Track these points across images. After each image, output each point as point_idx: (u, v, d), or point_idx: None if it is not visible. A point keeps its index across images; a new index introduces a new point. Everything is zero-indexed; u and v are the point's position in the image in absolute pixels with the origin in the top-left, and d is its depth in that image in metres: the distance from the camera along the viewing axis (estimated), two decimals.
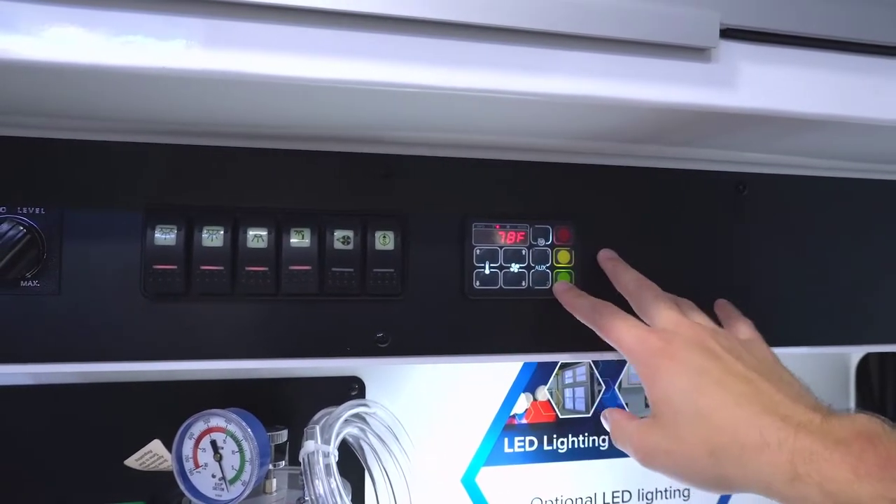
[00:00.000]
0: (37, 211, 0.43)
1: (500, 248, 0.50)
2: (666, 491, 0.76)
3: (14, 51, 0.32)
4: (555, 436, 0.73)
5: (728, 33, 0.40)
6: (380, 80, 0.34)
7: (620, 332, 0.45)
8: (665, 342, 0.43)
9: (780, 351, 0.47)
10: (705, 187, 0.55)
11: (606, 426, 0.49)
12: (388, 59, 0.34)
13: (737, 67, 0.41)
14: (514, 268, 0.50)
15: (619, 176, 0.53)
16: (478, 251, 0.50)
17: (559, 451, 0.73)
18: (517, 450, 0.72)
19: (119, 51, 0.33)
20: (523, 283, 0.50)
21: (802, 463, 0.35)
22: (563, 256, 0.51)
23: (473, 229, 0.50)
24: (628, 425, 0.46)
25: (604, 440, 0.74)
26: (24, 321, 0.43)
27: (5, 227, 0.41)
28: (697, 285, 0.53)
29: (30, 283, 0.42)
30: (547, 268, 0.51)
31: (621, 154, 0.53)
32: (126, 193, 0.44)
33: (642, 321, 0.46)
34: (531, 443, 0.73)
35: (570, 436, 0.73)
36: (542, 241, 0.51)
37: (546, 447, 0.73)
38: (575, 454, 0.73)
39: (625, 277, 0.50)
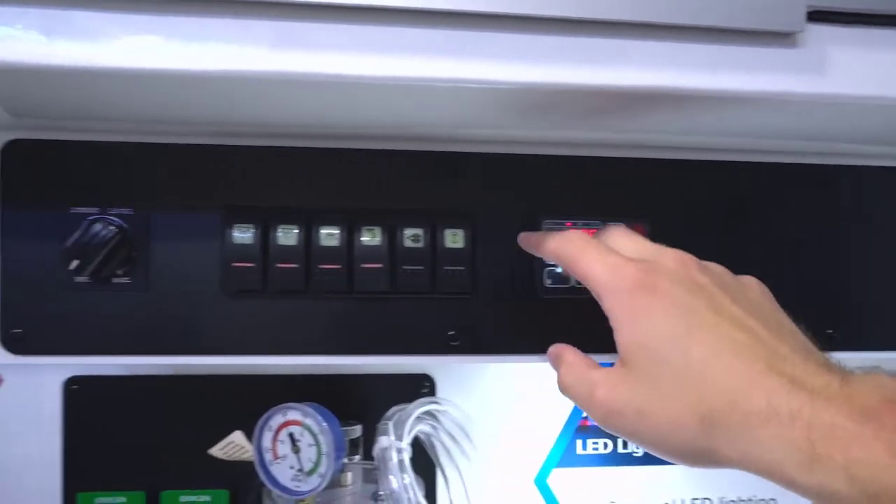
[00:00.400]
0: (126, 212, 0.45)
1: None
2: (750, 500, 0.73)
3: (101, 60, 0.34)
4: None
5: (815, 16, 0.37)
6: (461, 78, 0.34)
7: (591, 261, 0.37)
8: (645, 273, 0.35)
9: (878, 356, 0.44)
10: (792, 181, 0.52)
11: (554, 366, 0.41)
12: (467, 56, 0.34)
13: (825, 52, 0.38)
14: None
15: (697, 170, 0.51)
16: None
17: (634, 454, 0.71)
18: (591, 452, 0.71)
19: (198, 56, 0.35)
20: None
21: (822, 440, 0.28)
22: None
23: (544, 226, 0.49)
24: (590, 372, 0.37)
25: None
26: (115, 316, 0.45)
27: (98, 227, 0.44)
28: (785, 288, 0.50)
29: (121, 279, 0.45)
30: None
31: (698, 147, 0.51)
32: (206, 194, 0.46)
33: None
34: (605, 445, 0.71)
35: None
36: None
37: (621, 450, 0.71)
38: (651, 458, 0.70)
39: (554, 239, 0.41)
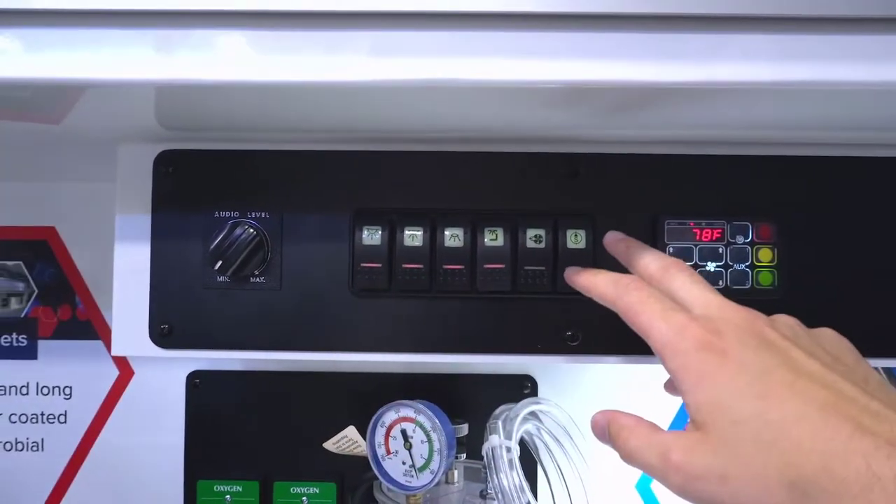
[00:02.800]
0: (263, 215, 0.48)
1: (695, 245, 0.48)
2: None
3: (241, 75, 0.35)
4: None
5: None
6: (591, 79, 0.34)
7: (652, 316, 0.34)
8: (711, 332, 0.33)
9: None
10: None
11: (608, 433, 0.36)
12: (596, 56, 0.34)
13: None
14: (711, 266, 0.48)
15: (828, 167, 0.49)
16: (671, 249, 0.48)
17: None
18: None
19: (329, 69, 0.36)
20: (720, 283, 0.48)
21: None
22: (765, 255, 0.48)
23: (666, 227, 0.48)
24: (658, 435, 0.34)
25: None
26: (251, 313, 0.48)
27: (239, 231, 0.46)
28: None
29: (257, 279, 0.48)
30: (746, 266, 0.48)
31: (828, 143, 0.49)
32: (336, 197, 0.48)
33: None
34: None
35: None
36: (740, 239, 0.48)
37: None
38: None
39: (645, 257, 0.40)
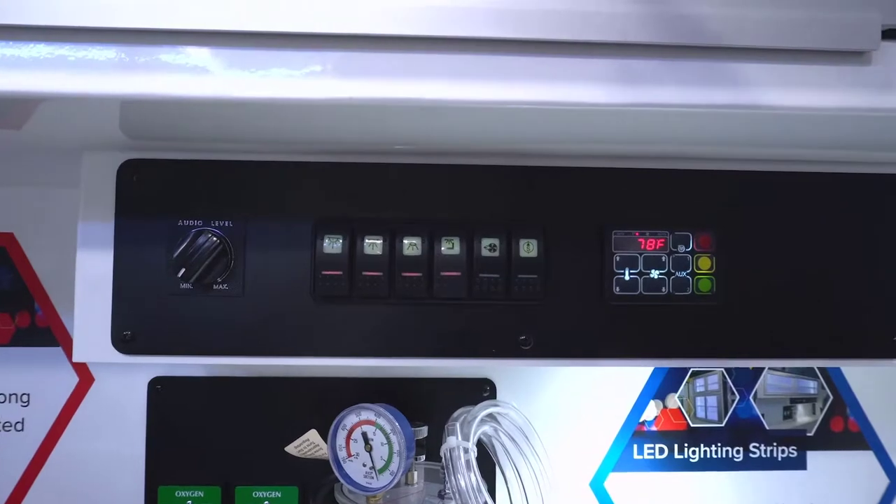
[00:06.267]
0: (226, 224, 0.49)
1: (640, 254, 0.51)
2: None
3: (211, 91, 0.37)
4: (686, 444, 0.72)
5: (890, 34, 0.39)
6: (543, 101, 0.37)
7: None
8: None
9: None
10: (863, 191, 0.53)
11: None
12: (550, 80, 0.37)
13: None
14: (654, 274, 0.51)
15: (764, 180, 0.52)
16: (617, 258, 0.51)
17: (690, 460, 0.72)
18: (647, 457, 0.72)
19: (298, 86, 0.38)
20: (663, 289, 0.51)
21: None
22: (704, 263, 0.51)
23: (613, 236, 0.51)
24: None
25: (738, 451, 0.72)
26: (214, 320, 0.49)
27: (202, 238, 0.47)
28: (847, 295, 0.51)
29: (220, 286, 0.49)
30: (687, 274, 0.51)
31: (767, 159, 0.53)
32: (298, 207, 0.49)
33: None
34: (661, 450, 0.72)
35: (702, 445, 0.72)
36: (682, 248, 0.51)
37: (677, 456, 0.72)
38: (707, 465, 0.72)
39: None
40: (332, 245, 0.48)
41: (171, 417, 0.66)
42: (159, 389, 0.67)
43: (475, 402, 0.66)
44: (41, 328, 0.66)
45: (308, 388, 0.67)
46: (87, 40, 0.35)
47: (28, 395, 0.67)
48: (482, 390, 0.70)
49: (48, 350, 0.66)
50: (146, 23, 0.34)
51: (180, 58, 0.36)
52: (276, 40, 0.37)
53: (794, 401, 0.72)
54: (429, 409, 0.67)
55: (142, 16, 0.34)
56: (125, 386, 0.66)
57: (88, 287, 0.48)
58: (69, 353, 0.66)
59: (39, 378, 0.66)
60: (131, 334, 0.48)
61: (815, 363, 0.64)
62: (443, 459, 0.58)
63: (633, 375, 0.73)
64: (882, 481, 0.73)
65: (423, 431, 0.64)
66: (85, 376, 0.67)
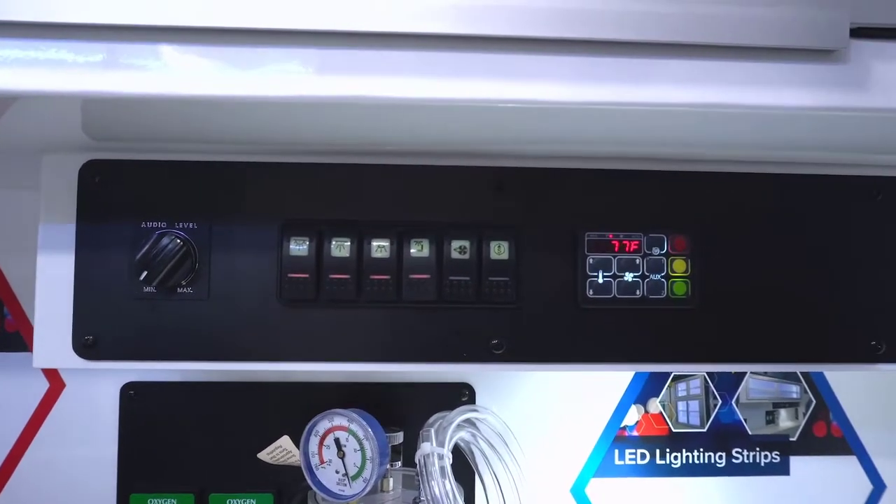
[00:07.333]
0: (190, 226, 0.48)
1: (614, 257, 0.50)
2: None
3: (165, 87, 0.36)
4: (667, 450, 0.71)
5: (858, 32, 0.38)
6: (506, 98, 0.36)
7: None
8: None
9: None
10: (836, 193, 0.52)
11: None
12: (515, 77, 0.36)
13: (869, 67, 0.39)
14: (629, 276, 0.50)
15: (739, 183, 0.52)
16: (591, 260, 0.50)
17: (672, 465, 0.71)
18: (628, 462, 0.71)
19: (263, 83, 0.37)
20: (637, 293, 0.50)
21: None
22: (679, 265, 0.51)
23: (586, 238, 0.50)
24: None
25: (720, 457, 0.71)
26: (179, 324, 0.48)
27: (166, 241, 0.46)
28: (825, 298, 0.51)
29: (185, 289, 0.48)
30: (662, 277, 0.50)
31: (743, 160, 0.52)
32: (265, 208, 0.48)
33: None
34: (643, 456, 0.71)
35: (683, 450, 0.71)
36: (656, 251, 0.51)
37: (658, 461, 0.71)
38: (689, 470, 0.71)
39: None
40: (299, 247, 0.47)
41: (143, 424, 0.65)
42: (132, 395, 0.66)
43: (453, 407, 0.65)
44: (10, 333, 0.65)
45: (284, 394, 0.66)
46: (49, 36, 0.34)
47: None
48: (461, 395, 0.70)
49: (18, 355, 0.65)
50: (106, 18, 0.33)
51: (144, 54, 0.35)
52: (240, 36, 0.36)
53: (777, 405, 0.72)
54: (406, 414, 0.67)
55: (103, 11, 0.34)
56: (97, 392, 0.65)
57: (49, 291, 0.47)
58: None
59: (9, 383, 0.65)
60: (93, 339, 0.47)
61: (793, 367, 0.63)
62: (417, 466, 0.57)
63: (614, 380, 0.72)
64: (865, 487, 0.72)
65: (399, 437, 0.63)
66: (56, 382, 0.66)
